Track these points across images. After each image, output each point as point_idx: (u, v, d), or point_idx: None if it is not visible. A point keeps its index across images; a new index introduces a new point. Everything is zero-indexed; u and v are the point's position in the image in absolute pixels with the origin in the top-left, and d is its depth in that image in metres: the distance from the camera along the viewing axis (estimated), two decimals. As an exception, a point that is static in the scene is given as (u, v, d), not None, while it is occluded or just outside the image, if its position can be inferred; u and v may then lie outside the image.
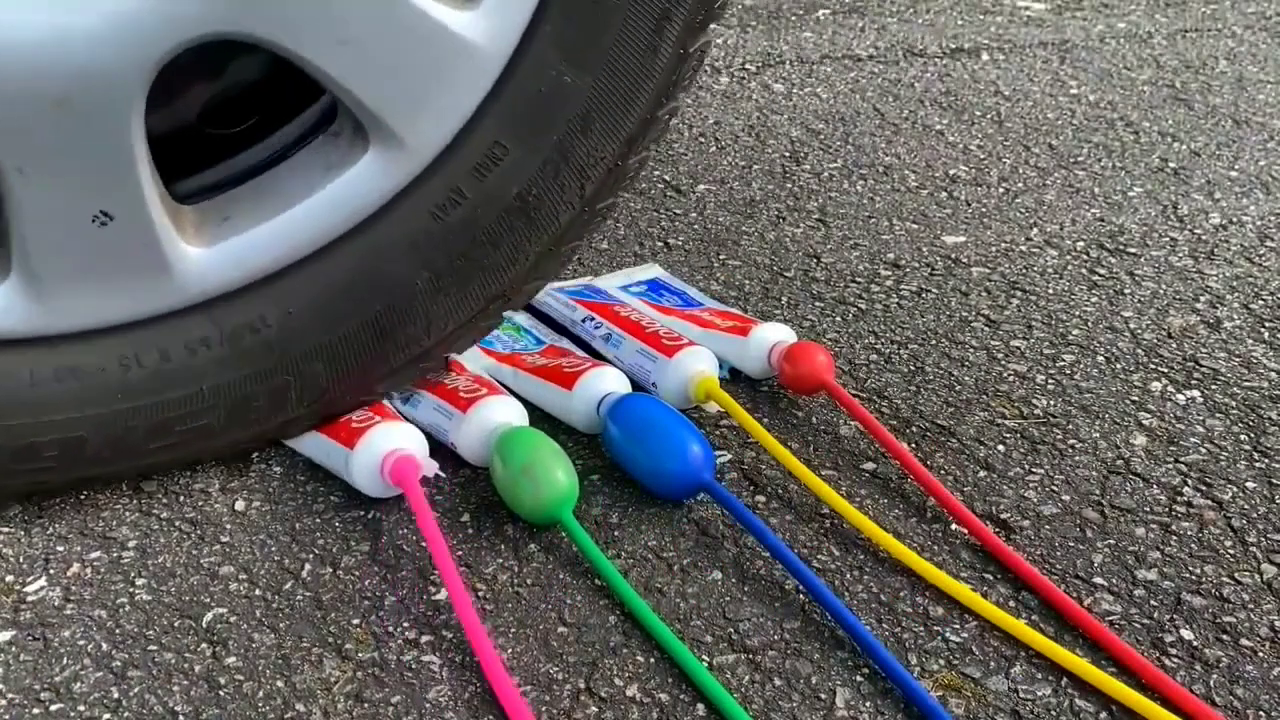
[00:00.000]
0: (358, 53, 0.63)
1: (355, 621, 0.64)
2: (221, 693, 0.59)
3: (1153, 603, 0.65)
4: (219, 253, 0.68)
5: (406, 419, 0.76)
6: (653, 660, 0.61)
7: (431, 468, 0.70)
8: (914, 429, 0.81)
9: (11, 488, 0.71)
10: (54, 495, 0.74)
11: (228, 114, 0.73)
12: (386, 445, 0.70)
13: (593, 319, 0.89)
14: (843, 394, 0.80)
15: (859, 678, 0.60)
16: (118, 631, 0.63)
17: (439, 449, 0.75)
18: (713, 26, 0.73)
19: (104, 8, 0.58)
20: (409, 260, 0.71)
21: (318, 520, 0.72)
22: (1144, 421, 0.82)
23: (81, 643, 0.62)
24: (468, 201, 0.70)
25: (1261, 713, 0.58)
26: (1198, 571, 0.67)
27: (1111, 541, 0.70)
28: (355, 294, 0.71)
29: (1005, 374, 0.88)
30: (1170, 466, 0.77)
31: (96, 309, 0.67)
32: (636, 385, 0.82)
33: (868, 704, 0.58)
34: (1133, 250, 1.08)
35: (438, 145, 0.69)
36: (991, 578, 0.67)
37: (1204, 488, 0.75)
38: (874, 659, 0.60)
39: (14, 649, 0.62)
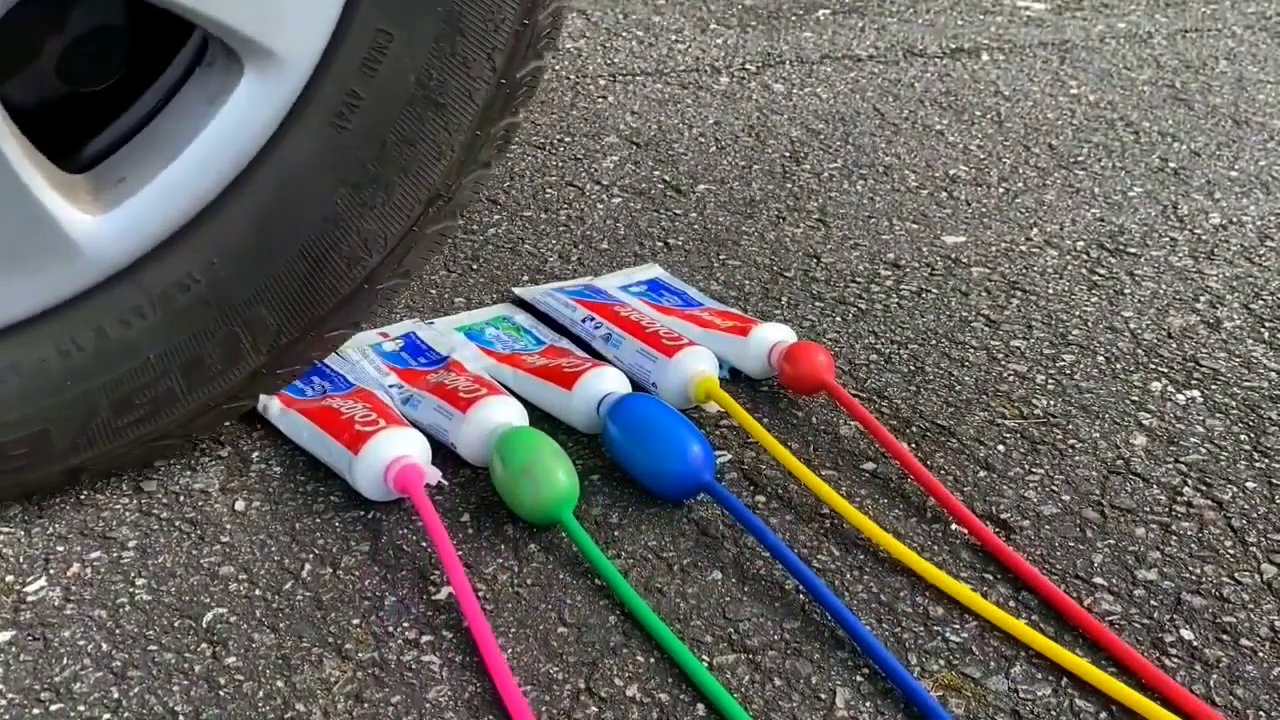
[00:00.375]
0: None
1: (355, 621, 0.64)
2: (221, 693, 0.59)
3: (1153, 603, 0.65)
4: (123, 216, 0.65)
5: (408, 420, 0.76)
6: (653, 660, 0.61)
7: (435, 475, 0.69)
8: (914, 429, 0.81)
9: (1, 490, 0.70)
10: (51, 491, 0.74)
11: (92, 71, 0.70)
12: (391, 452, 0.70)
13: (593, 319, 0.89)
14: (843, 394, 0.80)
15: (859, 678, 0.60)
16: (118, 631, 0.63)
17: (439, 449, 0.75)
18: None
19: None
20: (321, 179, 0.67)
21: (318, 520, 0.72)
22: (1144, 421, 0.82)
23: (81, 643, 0.62)
24: (365, 102, 0.65)
25: (1261, 713, 0.58)
26: (1198, 571, 0.67)
27: (1111, 541, 0.70)
28: (276, 228, 0.67)
29: (1005, 374, 0.88)
30: (1170, 466, 0.77)
31: (13, 302, 0.65)
32: (636, 385, 0.82)
33: (868, 704, 0.58)
34: (1133, 250, 1.08)
35: (314, 49, 0.64)
36: (991, 578, 0.67)
37: (1204, 488, 0.75)
38: (874, 659, 0.60)
39: (14, 649, 0.62)
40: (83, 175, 0.67)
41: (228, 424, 0.80)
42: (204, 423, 0.73)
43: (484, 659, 0.59)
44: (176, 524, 0.71)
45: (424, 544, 0.70)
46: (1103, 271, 1.04)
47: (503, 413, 0.75)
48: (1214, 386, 0.86)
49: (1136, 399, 0.84)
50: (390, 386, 0.82)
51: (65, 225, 0.63)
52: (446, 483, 0.74)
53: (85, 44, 0.69)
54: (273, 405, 0.80)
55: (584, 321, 0.90)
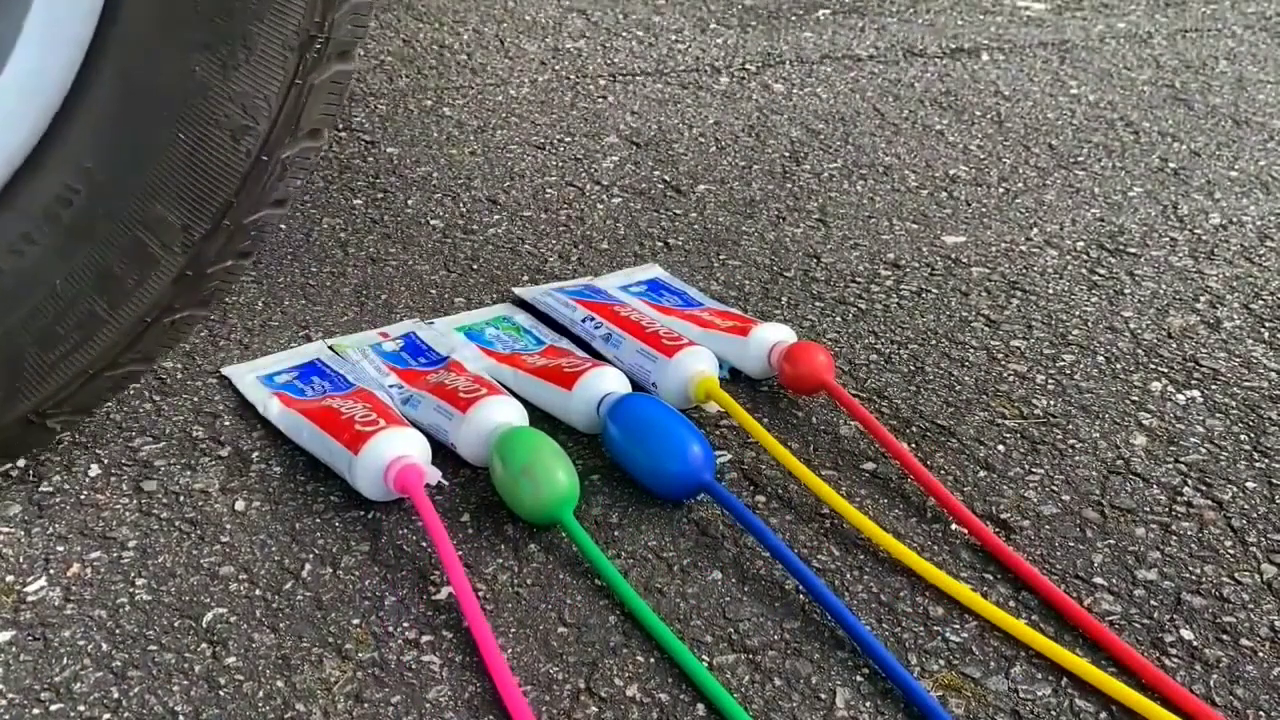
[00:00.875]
0: None
1: (355, 621, 0.64)
2: (221, 693, 0.59)
3: (1153, 603, 0.65)
4: None
5: (408, 420, 0.76)
6: (653, 660, 0.61)
7: (435, 475, 0.69)
8: (914, 429, 0.81)
9: None
10: (51, 491, 0.73)
11: None
12: (391, 452, 0.70)
13: (593, 319, 0.89)
14: (843, 394, 0.80)
15: (859, 678, 0.60)
16: (118, 631, 0.63)
17: (439, 449, 0.75)
18: None
19: None
20: (169, 47, 0.62)
21: (318, 520, 0.72)
22: (1144, 421, 0.82)
23: (81, 643, 0.62)
24: None
25: (1261, 713, 0.58)
26: (1198, 571, 0.67)
27: (1111, 541, 0.70)
28: (140, 113, 0.63)
29: (1005, 374, 0.88)
30: (1170, 466, 0.77)
31: None
32: (636, 385, 0.82)
33: (868, 704, 0.58)
34: (1133, 250, 1.08)
35: None
36: (991, 578, 0.67)
37: (1204, 488, 0.75)
38: (874, 660, 0.60)
39: (14, 649, 0.62)
40: None
41: (228, 424, 0.81)
42: (151, 341, 0.69)
43: (484, 659, 0.59)
44: (176, 524, 0.71)
45: (424, 544, 0.70)
46: (1103, 271, 1.04)
47: (503, 412, 0.75)
48: (1214, 386, 0.86)
49: (1136, 399, 0.84)
50: (390, 387, 0.82)
51: None
52: (446, 483, 0.74)
53: None
54: (273, 405, 0.80)
55: (584, 321, 0.90)
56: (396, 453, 0.70)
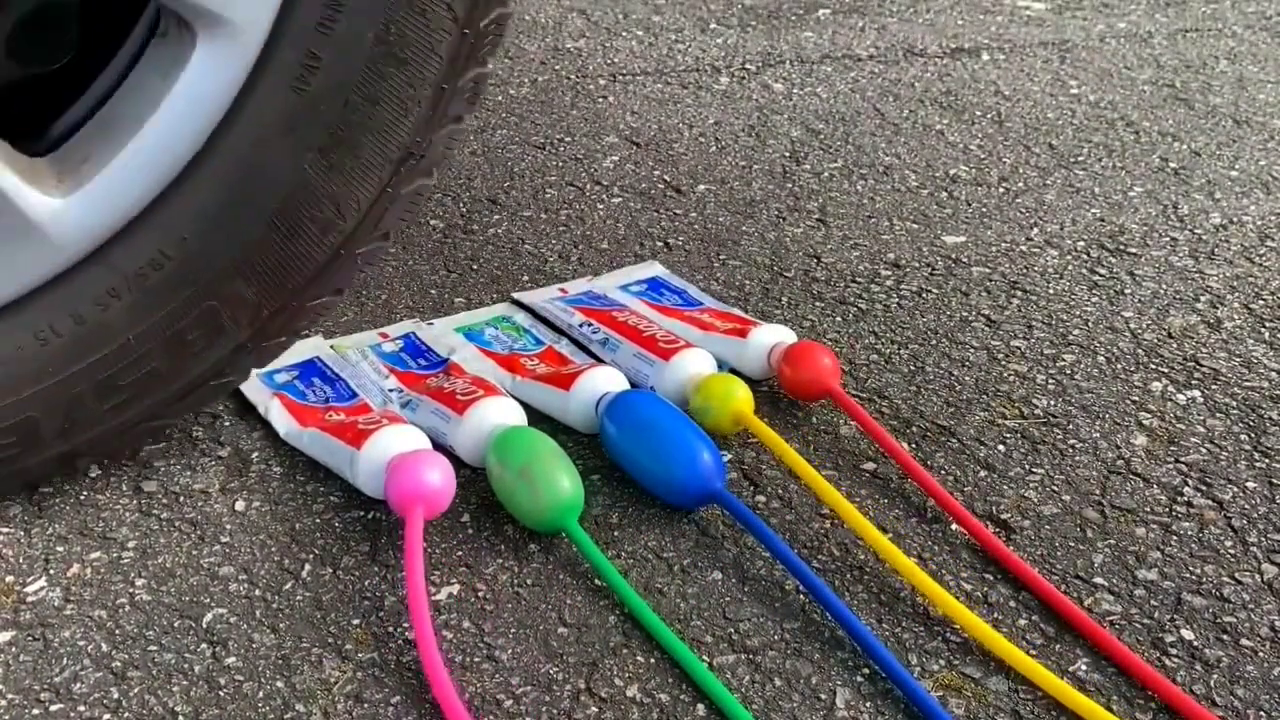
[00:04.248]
0: None
1: (355, 622, 0.64)
2: (221, 693, 0.59)
3: (1153, 603, 0.65)
4: (88, 197, 0.64)
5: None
6: (653, 660, 0.61)
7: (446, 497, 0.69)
8: (914, 429, 0.81)
9: None
10: (51, 492, 0.74)
11: (43, 51, 0.68)
12: (393, 448, 0.70)
13: (590, 324, 0.89)
14: (849, 401, 0.79)
15: (859, 678, 0.60)
16: (118, 632, 0.63)
17: (438, 451, 0.75)
18: None
19: None
20: (286, 145, 0.66)
21: (318, 520, 0.72)
22: (1144, 421, 0.82)
23: (81, 643, 0.62)
24: (324, 64, 0.64)
25: (1262, 713, 0.58)
26: (1198, 571, 0.67)
27: (1112, 541, 0.70)
28: (244, 198, 0.66)
29: (1005, 374, 0.88)
30: (1170, 466, 0.77)
31: None
32: (635, 388, 0.82)
33: (868, 704, 0.58)
34: (1133, 250, 1.08)
35: (267, 14, 0.63)
36: (991, 578, 0.67)
37: (1204, 488, 0.75)
38: (889, 674, 0.60)
39: (14, 649, 0.62)
40: (46, 158, 0.66)
41: (228, 424, 0.80)
42: (193, 401, 0.72)
43: (434, 693, 0.59)
44: (176, 524, 0.71)
45: (424, 544, 0.70)
46: (1103, 271, 1.04)
47: (500, 413, 0.75)
48: (1214, 386, 0.86)
49: (1137, 399, 0.84)
50: (390, 390, 0.82)
51: (29, 210, 0.63)
52: (460, 479, 0.74)
53: (33, 23, 0.67)
54: (274, 407, 0.80)
55: (581, 326, 0.90)
56: (398, 449, 0.70)
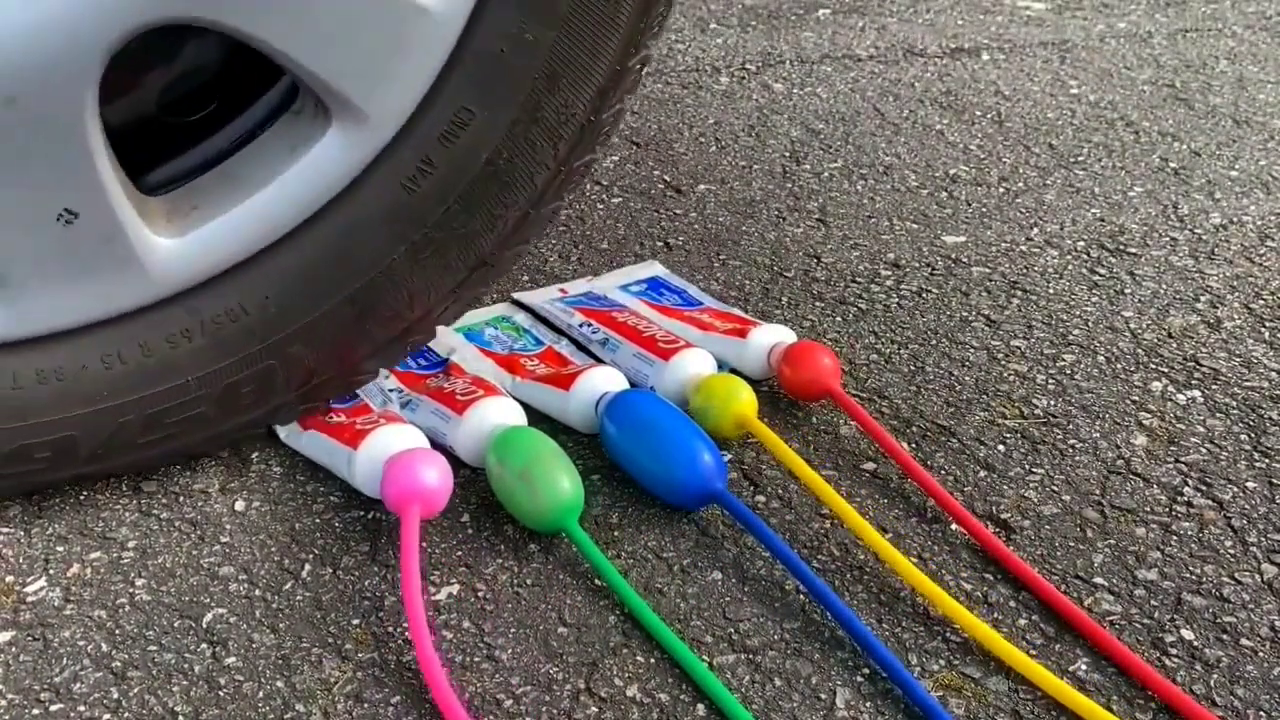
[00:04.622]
0: (311, 27, 0.62)
1: (355, 621, 0.64)
2: (221, 693, 0.59)
3: (1153, 603, 0.65)
4: (190, 242, 0.67)
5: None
6: (653, 660, 0.61)
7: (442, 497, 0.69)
8: (914, 429, 0.81)
9: (4, 488, 0.71)
10: (51, 492, 0.74)
11: (188, 101, 0.72)
12: (391, 447, 0.70)
13: (589, 324, 0.89)
14: (849, 402, 0.79)
15: (859, 678, 0.60)
16: (118, 632, 0.63)
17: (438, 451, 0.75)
18: None
19: (45, 4, 0.57)
20: (383, 234, 0.70)
21: (318, 520, 0.72)
22: (1144, 421, 0.82)
23: (81, 643, 0.62)
24: (437, 170, 0.69)
25: (1262, 713, 0.58)
26: (1198, 571, 0.67)
27: (1112, 541, 0.70)
28: (332, 273, 0.70)
29: (1005, 374, 0.88)
30: (1170, 466, 0.77)
31: (71, 308, 0.66)
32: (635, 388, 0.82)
33: (868, 704, 0.58)
34: (1133, 250, 1.08)
35: (401, 115, 0.67)
36: (992, 578, 0.67)
37: (1204, 488, 0.75)
38: (890, 675, 0.60)
39: (14, 649, 0.62)
40: (157, 198, 0.69)
41: (228, 424, 0.81)
42: (219, 444, 0.75)
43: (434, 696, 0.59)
44: (176, 524, 0.71)
45: (424, 544, 0.70)
46: (1103, 271, 1.04)
47: (500, 414, 0.75)
48: (1214, 386, 0.86)
49: (1137, 399, 0.84)
50: (390, 390, 0.82)
51: (137, 244, 0.65)
52: (460, 479, 0.74)
53: (189, 79, 0.72)
54: None
55: (581, 326, 0.90)
56: (396, 447, 0.70)
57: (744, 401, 0.77)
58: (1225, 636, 0.63)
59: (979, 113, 1.45)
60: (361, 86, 0.65)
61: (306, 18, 0.62)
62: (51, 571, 0.68)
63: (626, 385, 0.79)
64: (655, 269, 1.02)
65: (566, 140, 0.71)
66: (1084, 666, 0.60)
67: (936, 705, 0.57)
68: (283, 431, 0.78)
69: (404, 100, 0.67)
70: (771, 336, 0.84)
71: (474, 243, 0.72)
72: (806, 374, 0.80)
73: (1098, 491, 0.74)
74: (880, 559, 0.68)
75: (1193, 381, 0.86)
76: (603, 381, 0.78)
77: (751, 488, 0.75)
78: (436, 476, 0.68)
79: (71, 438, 0.69)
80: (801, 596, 0.65)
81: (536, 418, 0.80)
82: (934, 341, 0.92)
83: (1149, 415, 0.82)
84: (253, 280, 0.69)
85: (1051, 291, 1.00)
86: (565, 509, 0.67)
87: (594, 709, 0.58)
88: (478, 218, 0.71)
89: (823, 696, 0.59)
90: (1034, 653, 0.61)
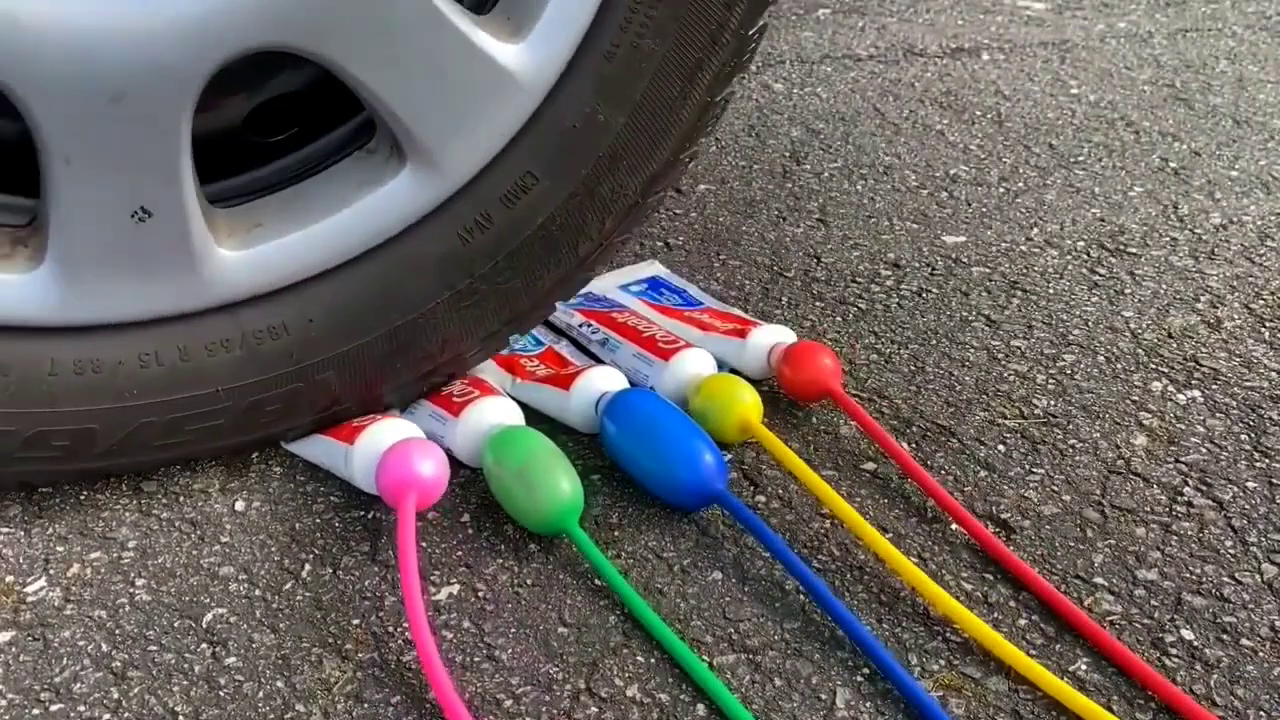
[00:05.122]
0: (405, 74, 0.65)
1: (355, 622, 0.64)
2: (221, 693, 0.59)
3: (1153, 603, 0.65)
4: (248, 257, 0.69)
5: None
6: (653, 660, 0.61)
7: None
8: (914, 429, 0.81)
9: (11, 475, 0.71)
10: (51, 492, 0.74)
11: (268, 122, 0.74)
12: (386, 441, 0.70)
13: (589, 324, 0.89)
14: (849, 402, 0.79)
15: (859, 678, 0.60)
16: (118, 632, 0.63)
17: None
18: (739, 78, 0.75)
19: (171, 11, 0.59)
20: (432, 278, 0.72)
21: (318, 520, 0.72)
22: (1144, 421, 0.82)
23: (81, 643, 0.62)
24: (494, 227, 0.72)
25: (1262, 713, 0.58)
26: (1198, 571, 0.67)
27: (1112, 541, 0.70)
28: (376, 307, 0.72)
29: (1006, 374, 0.88)
30: (1170, 466, 0.77)
31: (124, 303, 0.67)
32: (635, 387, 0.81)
33: (868, 704, 0.58)
34: (1133, 250, 1.08)
35: (471, 170, 0.70)
36: (991, 578, 0.67)
37: (1204, 488, 0.75)
38: (889, 676, 0.60)
39: (14, 649, 0.62)
40: (222, 210, 0.70)
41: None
42: (219, 452, 0.75)
43: (434, 692, 0.59)
44: (176, 524, 0.71)
45: (424, 544, 0.70)
46: (1103, 271, 1.04)
47: (497, 414, 0.74)
48: (1214, 386, 0.86)
49: (1137, 399, 0.84)
50: None
51: (199, 251, 0.67)
52: (460, 480, 0.74)
53: (277, 101, 0.74)
54: None
55: (580, 327, 0.90)
56: (391, 442, 0.70)
57: (747, 404, 0.76)
58: (1225, 636, 0.63)
59: (979, 113, 1.45)
60: (440, 136, 0.68)
61: (403, 63, 0.65)
62: (51, 571, 0.68)
63: (626, 385, 0.79)
64: (655, 269, 1.02)
65: (614, 217, 0.74)
66: (1084, 666, 0.60)
67: (936, 707, 0.57)
68: None
69: (476, 156, 0.70)
70: (771, 337, 0.84)
71: (512, 299, 0.75)
72: (806, 375, 0.80)
73: (1098, 491, 0.74)
74: (883, 562, 0.68)
75: (1193, 381, 0.86)
76: (602, 381, 0.78)
77: (751, 488, 0.75)
78: (432, 466, 0.68)
79: (91, 431, 0.69)
80: (801, 596, 0.65)
81: (537, 418, 0.80)
82: (934, 341, 0.92)
83: (1149, 415, 0.82)
84: (301, 302, 0.70)
85: (1051, 291, 1.00)
86: (565, 510, 0.67)
87: (594, 709, 0.58)
88: (520, 276, 0.74)
89: (823, 696, 0.59)
90: (1034, 653, 0.61)
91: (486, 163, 0.70)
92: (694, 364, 0.81)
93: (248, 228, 0.69)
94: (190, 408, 0.71)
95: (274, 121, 0.74)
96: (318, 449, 0.75)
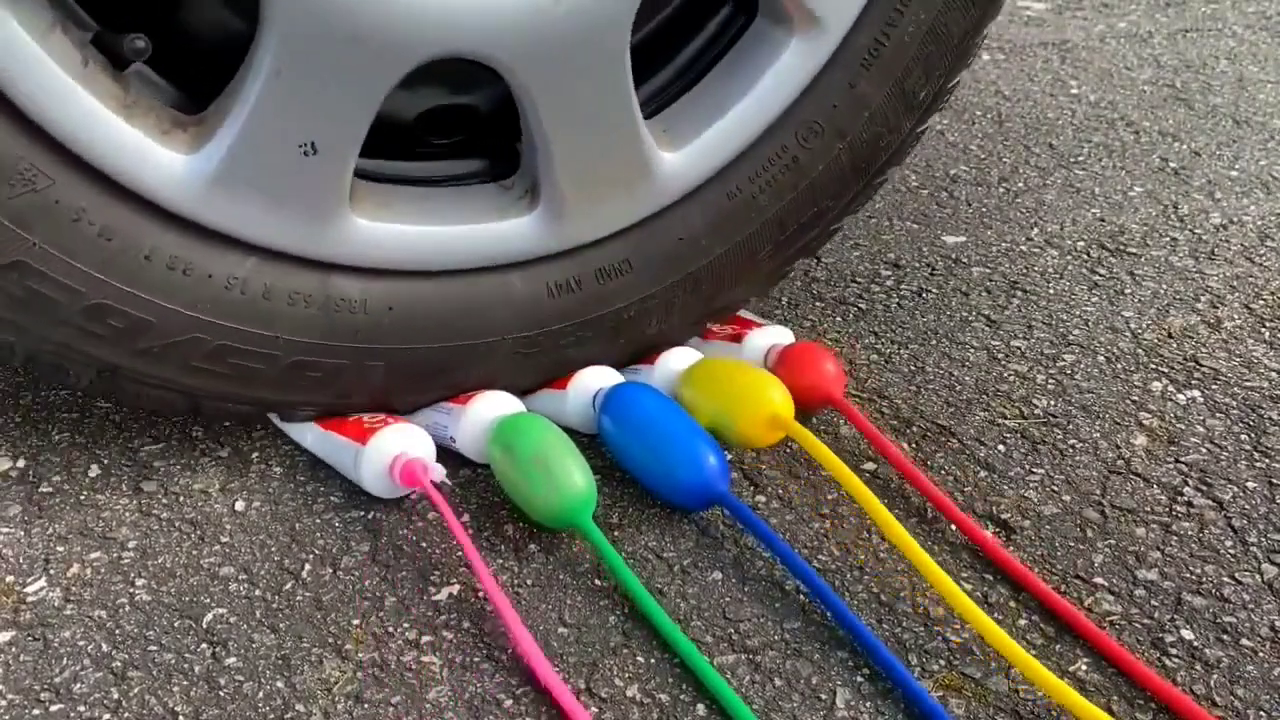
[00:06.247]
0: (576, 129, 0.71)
1: (355, 621, 0.64)
2: (221, 693, 0.59)
3: (1153, 603, 0.65)
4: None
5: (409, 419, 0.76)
6: (653, 660, 0.61)
7: (439, 472, 0.69)
8: (914, 429, 0.81)
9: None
10: (51, 492, 0.74)
11: (437, 125, 0.78)
12: (395, 448, 0.70)
13: None
14: (853, 411, 0.77)
15: (859, 678, 0.60)
16: (118, 632, 0.63)
17: (440, 449, 0.75)
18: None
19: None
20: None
21: (318, 520, 0.72)
22: (1144, 421, 0.82)
23: (81, 643, 0.62)
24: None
25: (1262, 713, 0.58)
26: (1198, 571, 0.67)
27: (1112, 541, 0.70)
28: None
29: (1005, 374, 0.88)
30: (1170, 466, 0.77)
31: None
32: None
33: (868, 704, 0.58)
34: (1133, 250, 1.08)
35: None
36: (991, 578, 0.67)
37: (1204, 488, 0.75)
38: (891, 676, 0.60)
39: (14, 649, 0.62)
40: (364, 182, 0.73)
41: (227, 424, 0.81)
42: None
43: (520, 649, 0.59)
44: (176, 524, 0.71)
45: (424, 544, 0.70)
46: (1103, 271, 1.04)
47: (503, 406, 0.74)
48: (1214, 386, 0.86)
49: (1137, 399, 0.84)
50: None
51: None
52: (450, 483, 0.74)
53: (452, 113, 0.78)
54: None
55: None
56: (400, 448, 0.70)
57: (778, 403, 0.74)
58: (1225, 636, 0.63)
59: (979, 113, 1.45)
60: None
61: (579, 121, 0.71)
62: (51, 571, 0.68)
63: (621, 380, 0.79)
64: None
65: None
66: (1084, 666, 0.60)
67: (938, 707, 0.57)
68: (288, 425, 0.78)
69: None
70: (768, 338, 0.84)
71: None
72: (807, 381, 0.78)
73: (1098, 491, 0.74)
74: (904, 560, 0.68)
75: (1193, 381, 0.86)
76: (598, 378, 0.78)
77: (752, 488, 0.75)
78: (424, 443, 0.72)
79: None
80: (802, 596, 0.65)
81: (536, 418, 0.80)
82: (934, 341, 0.92)
83: (1149, 415, 0.82)
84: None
85: (1051, 291, 1.00)
86: (581, 503, 0.66)
87: (594, 709, 0.58)
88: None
89: (823, 696, 0.59)
90: (1034, 653, 0.61)
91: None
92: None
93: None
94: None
95: (441, 126, 0.77)
96: (326, 444, 0.75)
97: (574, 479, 0.67)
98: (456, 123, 0.77)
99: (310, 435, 0.76)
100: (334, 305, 0.71)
